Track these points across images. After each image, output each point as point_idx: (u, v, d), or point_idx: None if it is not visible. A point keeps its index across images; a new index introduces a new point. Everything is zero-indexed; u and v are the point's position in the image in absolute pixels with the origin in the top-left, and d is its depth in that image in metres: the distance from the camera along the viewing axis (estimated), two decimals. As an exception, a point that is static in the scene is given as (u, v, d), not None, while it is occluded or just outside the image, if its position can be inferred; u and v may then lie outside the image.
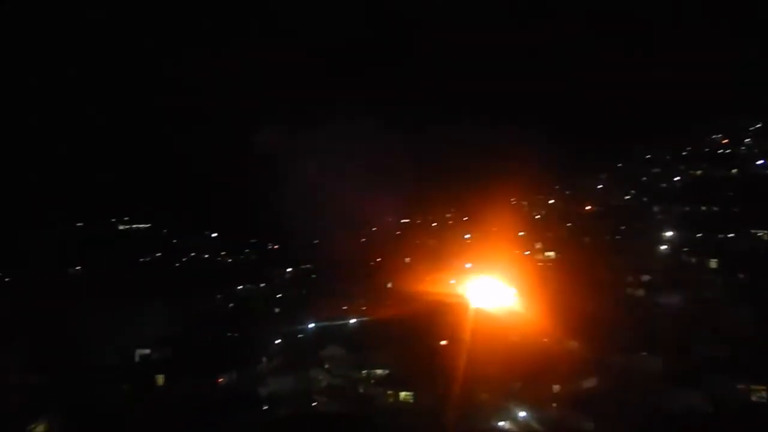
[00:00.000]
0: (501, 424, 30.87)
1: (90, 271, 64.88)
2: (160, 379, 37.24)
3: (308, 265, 68.80)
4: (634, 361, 34.06)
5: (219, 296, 58.06)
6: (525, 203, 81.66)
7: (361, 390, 37.80)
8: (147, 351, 42.02)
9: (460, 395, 31.03)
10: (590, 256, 55.65)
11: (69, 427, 28.56)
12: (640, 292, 47.84)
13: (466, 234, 73.75)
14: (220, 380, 37.58)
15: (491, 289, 49.45)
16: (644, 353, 35.05)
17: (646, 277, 49.67)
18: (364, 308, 51.52)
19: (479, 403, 31.69)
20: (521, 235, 65.87)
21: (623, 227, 63.81)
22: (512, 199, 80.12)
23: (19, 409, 28.48)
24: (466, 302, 46.03)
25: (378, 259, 69.31)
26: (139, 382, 36.19)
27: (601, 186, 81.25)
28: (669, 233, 58.92)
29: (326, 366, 40.11)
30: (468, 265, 58.50)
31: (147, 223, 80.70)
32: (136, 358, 41.67)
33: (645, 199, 71.87)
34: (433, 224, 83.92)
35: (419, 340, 39.39)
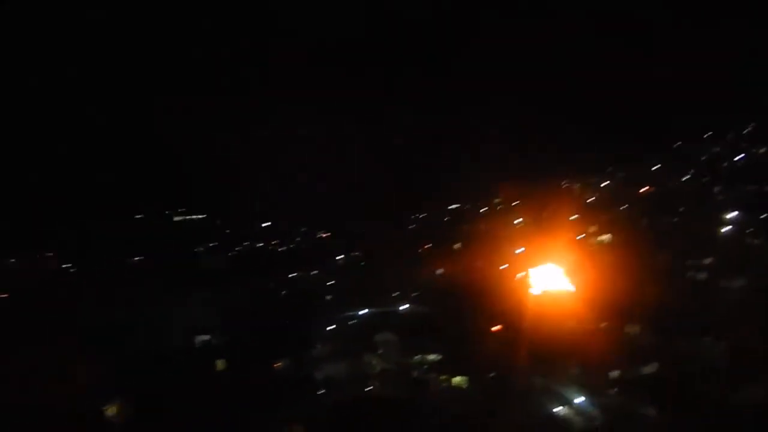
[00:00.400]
0: (557, 409, 30.43)
1: (150, 261, 67.27)
2: (220, 363, 38.48)
3: (358, 252, 69.33)
4: (697, 347, 32.89)
5: (272, 284, 59.24)
6: (577, 186, 79.58)
7: (415, 375, 37.97)
8: (207, 337, 43.45)
9: (515, 380, 30.78)
10: (647, 239, 53.85)
11: (138, 409, 29.87)
12: (702, 276, 45.97)
13: (517, 219, 72.56)
14: (277, 365, 38.47)
15: (544, 274, 48.59)
16: (707, 338, 33.77)
17: (708, 260, 47.67)
18: (414, 294, 51.57)
19: (535, 388, 31.36)
20: (574, 219, 64.30)
21: (682, 209, 61.36)
22: (564, 182, 78.25)
23: (93, 392, 30.03)
24: (518, 287, 45.48)
25: (427, 246, 69.13)
26: (200, 367, 37.55)
27: (657, 167, 78.21)
28: (731, 214, 56.24)
29: (379, 351, 40.45)
30: (520, 251, 57.62)
31: (201, 215, 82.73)
32: (197, 344, 43.18)
33: (705, 179, 68.79)
34: (483, 209, 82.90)
35: (472, 325, 39.24)
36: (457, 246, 66.02)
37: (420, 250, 67.78)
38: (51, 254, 62.92)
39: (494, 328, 39.88)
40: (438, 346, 38.88)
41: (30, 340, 36.80)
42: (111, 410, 29.99)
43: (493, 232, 69.12)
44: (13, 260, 60.88)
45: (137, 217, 79.14)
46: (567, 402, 30.75)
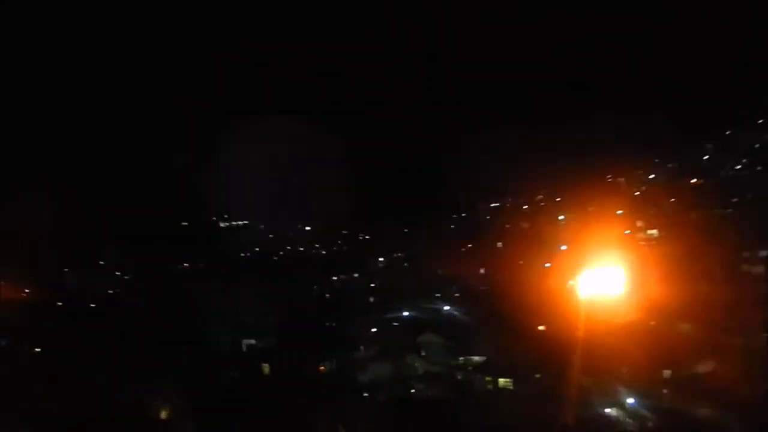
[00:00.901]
0: (608, 411, 29.70)
1: (198, 267, 69.08)
2: (266, 367, 39.15)
3: (400, 254, 69.42)
4: (755, 343, 31.46)
5: (316, 287, 59.91)
6: (622, 179, 77.39)
7: (459, 377, 37.73)
8: (252, 341, 44.28)
9: (563, 381, 30.13)
10: (698, 233, 51.88)
11: (188, 410, 30.65)
12: (758, 269, 43.98)
13: (561, 215, 71.14)
14: (321, 368, 38.89)
15: (591, 271, 47.41)
16: (765, 335, 32.27)
17: (764, 253, 45.57)
18: (457, 295, 51.25)
19: (584, 388, 30.65)
20: (620, 214, 62.58)
21: (735, 200, 58.86)
22: (608, 176, 76.20)
23: (143, 392, 31.10)
24: (564, 285, 44.55)
25: (469, 245, 68.56)
26: (247, 371, 38.31)
27: (707, 156, 75.27)
28: (789, 205, 53.66)
29: (422, 353, 40.37)
30: (563, 247, 56.49)
31: (244, 221, 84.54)
32: (243, 348, 44.07)
33: (759, 168, 65.78)
34: (525, 206, 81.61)
35: (517, 325, 38.66)
36: (499, 244, 65.27)
37: (462, 250, 67.29)
38: (104, 263, 65.50)
39: (540, 328, 39.22)
40: (482, 347, 38.50)
41: (89, 343, 39.00)
42: (163, 412, 30.94)
43: (536, 230, 68.02)
44: (70, 269, 63.51)
45: (184, 224, 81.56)
46: (618, 403, 29.98)
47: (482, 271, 57.92)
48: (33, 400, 28.96)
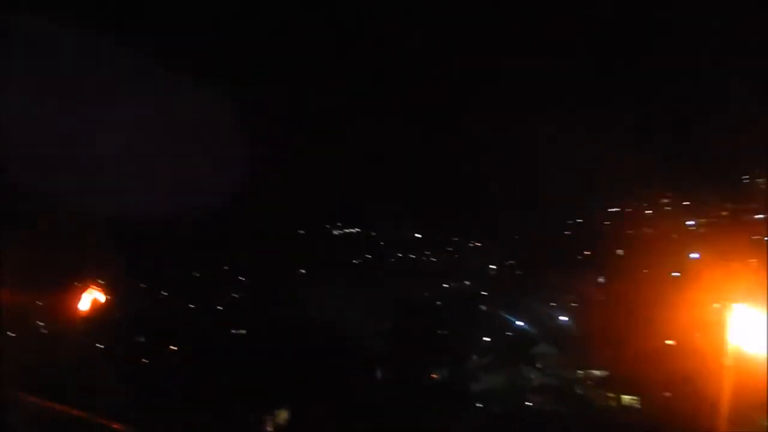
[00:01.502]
0: (748, 436, 26.93)
1: (312, 273, 71.94)
2: (378, 373, 39.77)
3: (513, 261, 67.77)
4: None
5: (426, 294, 60.01)
6: (762, 180, 70.01)
7: (578, 391, 36.08)
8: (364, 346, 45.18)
9: (695, 401, 27.75)
10: None
11: (297, 415, 31.81)
12: None
13: (689, 220, 65.66)
14: (434, 376, 38.86)
15: (722, 281, 43.34)
16: None
17: None
18: (574, 304, 49.04)
19: (718, 409, 28.04)
20: (759, 219, 56.61)
21: None
22: (744, 176, 69.34)
23: (262, 397, 32.73)
24: (694, 297, 41.09)
25: (587, 252, 65.35)
26: (358, 376, 39.10)
27: None
28: None
29: (538, 365, 39.12)
30: (695, 256, 52.11)
31: (357, 228, 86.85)
32: (355, 353, 45.09)
33: None
34: (648, 211, 76.30)
35: (641, 339, 36.20)
36: (619, 252, 61.50)
37: (579, 257, 64.26)
38: (226, 267, 70.44)
39: (668, 342, 36.45)
40: (603, 361, 36.53)
41: (216, 342, 42.38)
42: (281, 416, 32.32)
43: (662, 236, 63.28)
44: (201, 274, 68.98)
45: (300, 231, 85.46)
46: (759, 428, 27.07)
47: (601, 279, 54.93)
48: (165, 392, 31.57)
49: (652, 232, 66.57)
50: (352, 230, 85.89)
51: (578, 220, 76.85)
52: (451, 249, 78.27)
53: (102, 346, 37.79)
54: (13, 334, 27.64)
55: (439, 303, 58.33)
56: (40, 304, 39.47)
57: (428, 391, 35.49)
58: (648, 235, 66.26)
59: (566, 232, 74.66)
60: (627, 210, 79.43)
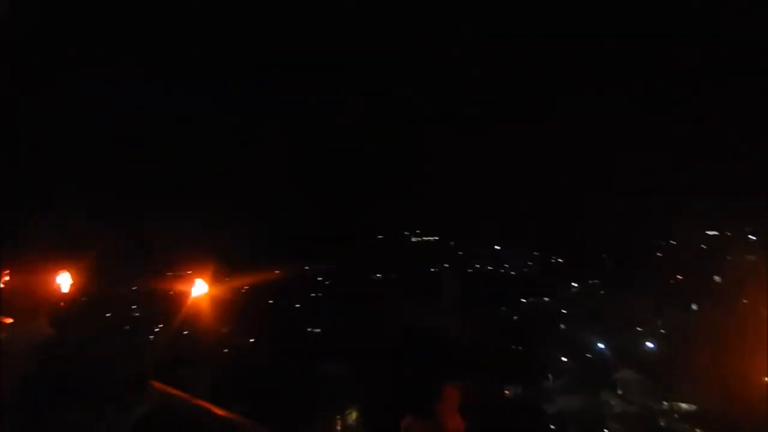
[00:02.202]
0: None
1: (389, 277, 72.22)
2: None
3: (597, 281, 64.63)
4: None
5: (504, 308, 58.54)
6: None
7: (662, 423, 33.68)
8: (437, 356, 44.62)
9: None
10: None
11: (369, 419, 31.78)
12: None
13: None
14: (507, 392, 37.66)
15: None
16: None
17: None
18: (663, 331, 45.96)
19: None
20: None
21: None
22: None
23: (333, 397, 33.08)
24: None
25: (679, 277, 61.23)
26: (427, 383, 38.53)
27: None
28: None
29: (619, 391, 36.95)
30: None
31: (435, 236, 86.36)
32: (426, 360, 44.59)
33: None
34: (751, 236, 70.45)
35: (740, 374, 33.27)
36: (717, 279, 57.11)
37: (671, 282, 60.27)
38: (308, 267, 72.07)
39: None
40: (693, 394, 33.89)
41: (292, 336, 44.61)
42: (351, 415, 32.55)
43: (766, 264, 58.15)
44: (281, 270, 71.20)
45: (379, 237, 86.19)
46: None
47: (694, 306, 51.19)
48: (244, 381, 32.57)
49: (755, 259, 61.42)
50: (430, 238, 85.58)
51: (672, 242, 72.24)
52: (531, 263, 75.97)
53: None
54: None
55: (515, 317, 56.75)
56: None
57: (499, 406, 34.40)
58: (751, 262, 61.17)
59: (658, 254, 70.37)
60: (727, 234, 73.82)
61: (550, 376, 40.37)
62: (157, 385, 3.84)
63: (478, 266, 76.19)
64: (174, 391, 3.97)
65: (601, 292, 62.44)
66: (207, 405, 3.74)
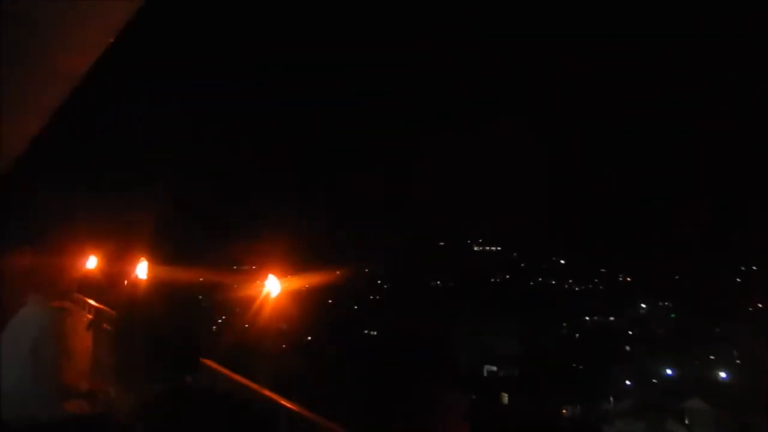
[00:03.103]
0: None
1: (447, 285, 71.72)
2: (505, 397, 38.29)
3: (668, 303, 61.45)
4: None
5: (565, 324, 56.79)
6: None
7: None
8: (494, 368, 43.84)
9: None
10: None
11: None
12: None
13: None
14: (564, 411, 36.50)
15: None
16: None
17: None
18: (738, 361, 43.13)
19: None
20: None
21: None
22: None
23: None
24: None
25: (760, 305, 57.25)
26: (484, 396, 37.92)
27: None
28: None
29: (686, 420, 34.94)
30: None
31: (498, 246, 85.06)
32: (485, 373, 43.89)
33: None
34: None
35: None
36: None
37: (750, 309, 56.46)
38: (366, 270, 72.79)
39: None
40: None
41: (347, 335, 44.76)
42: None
43: None
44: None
45: (441, 244, 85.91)
46: None
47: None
48: (300, 377, 33.13)
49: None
50: (492, 248, 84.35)
51: (753, 267, 67.69)
52: (597, 281, 73.23)
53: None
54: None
55: (577, 335, 54.85)
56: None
57: (555, 424, 33.38)
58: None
59: (737, 279, 66.14)
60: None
61: (611, 398, 38.73)
62: (208, 362, 3.94)
63: (540, 279, 74.29)
64: (224, 370, 4.06)
65: (672, 315, 59.36)
66: (256, 386, 3.79)
